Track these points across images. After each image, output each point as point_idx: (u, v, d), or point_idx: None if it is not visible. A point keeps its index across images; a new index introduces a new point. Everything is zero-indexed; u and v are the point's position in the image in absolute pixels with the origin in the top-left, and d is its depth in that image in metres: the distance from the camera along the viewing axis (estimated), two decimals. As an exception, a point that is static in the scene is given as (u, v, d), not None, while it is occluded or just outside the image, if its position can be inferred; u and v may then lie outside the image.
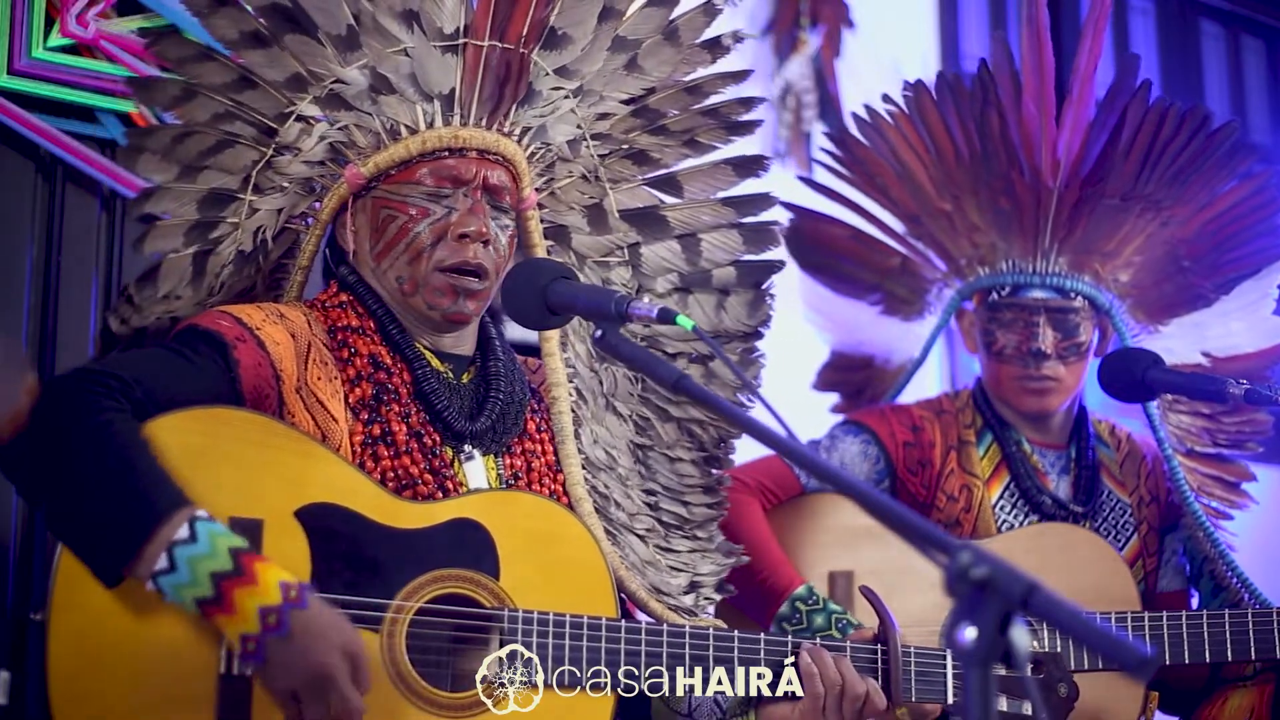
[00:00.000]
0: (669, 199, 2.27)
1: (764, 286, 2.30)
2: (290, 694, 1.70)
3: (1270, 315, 2.91)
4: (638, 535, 2.19)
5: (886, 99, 2.93)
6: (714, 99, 2.24)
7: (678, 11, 2.19)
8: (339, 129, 2.08)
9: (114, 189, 2.55)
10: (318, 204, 2.13)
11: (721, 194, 2.28)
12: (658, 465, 2.26)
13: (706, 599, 2.20)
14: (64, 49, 2.50)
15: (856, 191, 3.01)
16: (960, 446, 2.83)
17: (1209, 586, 2.81)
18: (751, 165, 2.29)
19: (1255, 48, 5.42)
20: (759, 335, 2.31)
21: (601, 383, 2.24)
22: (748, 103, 2.26)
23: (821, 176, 3.11)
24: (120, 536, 1.69)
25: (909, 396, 3.03)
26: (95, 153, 2.52)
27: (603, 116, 2.20)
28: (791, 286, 2.67)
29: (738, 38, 2.24)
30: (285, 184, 2.10)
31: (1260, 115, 5.38)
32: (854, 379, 3.14)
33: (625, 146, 2.23)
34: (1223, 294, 2.91)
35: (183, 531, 1.67)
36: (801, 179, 3.22)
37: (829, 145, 3.05)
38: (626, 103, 2.20)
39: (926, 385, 3.46)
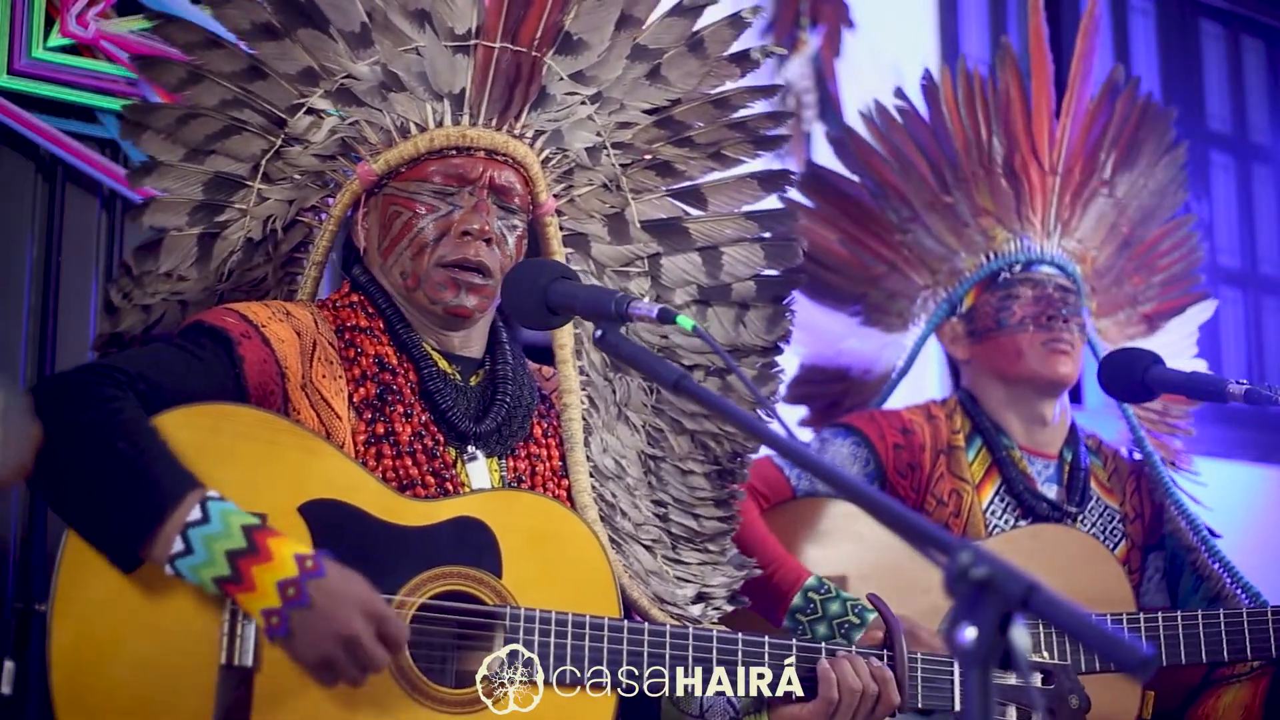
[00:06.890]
0: (692, 211, 2.25)
1: (784, 301, 2.27)
2: (322, 661, 1.71)
3: (1193, 359, 3.04)
4: (644, 545, 2.18)
5: (899, 93, 2.97)
6: (741, 112, 2.22)
7: (703, 23, 2.17)
8: (349, 124, 2.09)
9: (114, 189, 2.55)
10: (330, 199, 2.14)
11: (745, 208, 2.26)
12: (669, 477, 2.24)
13: (716, 609, 2.19)
14: (64, 49, 2.51)
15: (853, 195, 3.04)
16: (949, 451, 2.82)
17: (1190, 581, 2.80)
18: (777, 180, 2.27)
19: (1255, 48, 5.42)
20: (778, 350, 2.27)
21: (615, 391, 2.23)
22: (776, 117, 2.25)
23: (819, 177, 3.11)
24: (133, 521, 1.70)
25: (896, 403, 3.02)
26: (95, 153, 2.53)
27: (624, 125, 2.19)
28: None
29: (767, 52, 2.21)
30: (296, 175, 2.11)
31: (1260, 115, 5.38)
32: (829, 391, 3.13)
33: (649, 157, 2.21)
34: (1165, 322, 3.04)
35: (195, 513, 1.69)
36: (808, 167, 3.23)
37: (832, 147, 3.07)
38: (650, 113, 2.19)
39: (925, 390, 3.45)
